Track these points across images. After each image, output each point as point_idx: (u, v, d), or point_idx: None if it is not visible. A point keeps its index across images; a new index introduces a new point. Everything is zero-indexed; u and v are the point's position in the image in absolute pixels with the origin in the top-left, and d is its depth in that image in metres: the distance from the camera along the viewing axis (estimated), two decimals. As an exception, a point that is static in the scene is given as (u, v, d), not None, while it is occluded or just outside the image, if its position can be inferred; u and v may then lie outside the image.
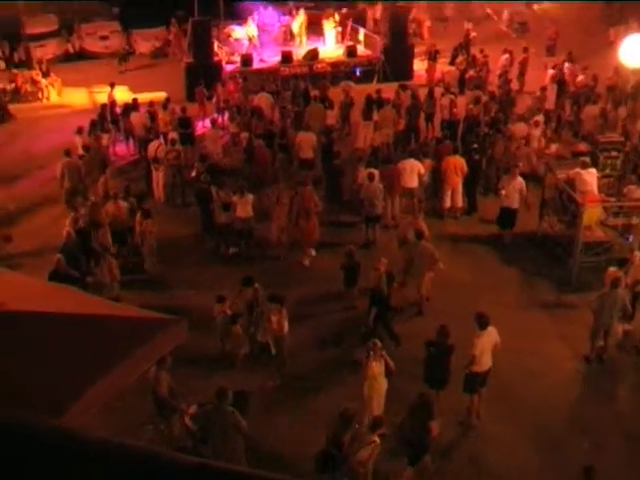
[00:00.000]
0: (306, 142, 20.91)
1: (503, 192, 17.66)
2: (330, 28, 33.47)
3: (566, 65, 27.68)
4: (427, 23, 39.77)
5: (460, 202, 19.48)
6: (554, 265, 17.06)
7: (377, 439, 10.13)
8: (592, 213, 16.33)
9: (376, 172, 18.11)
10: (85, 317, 7.90)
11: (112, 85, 25.93)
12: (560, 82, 26.39)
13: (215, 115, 25.60)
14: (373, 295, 14.25)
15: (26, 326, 7.40)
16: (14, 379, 6.89)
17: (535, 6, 46.51)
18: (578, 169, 17.44)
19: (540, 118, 22.29)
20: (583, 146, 20.99)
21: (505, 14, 41.18)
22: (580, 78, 26.43)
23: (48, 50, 37.45)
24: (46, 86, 31.32)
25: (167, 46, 38.67)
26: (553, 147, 20.30)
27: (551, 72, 27.02)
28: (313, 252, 17.57)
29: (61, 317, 7.75)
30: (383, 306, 14.24)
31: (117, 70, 34.91)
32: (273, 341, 13.50)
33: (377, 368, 11.57)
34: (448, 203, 19.47)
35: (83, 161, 20.06)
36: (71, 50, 39.87)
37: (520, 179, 17.60)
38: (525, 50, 29.64)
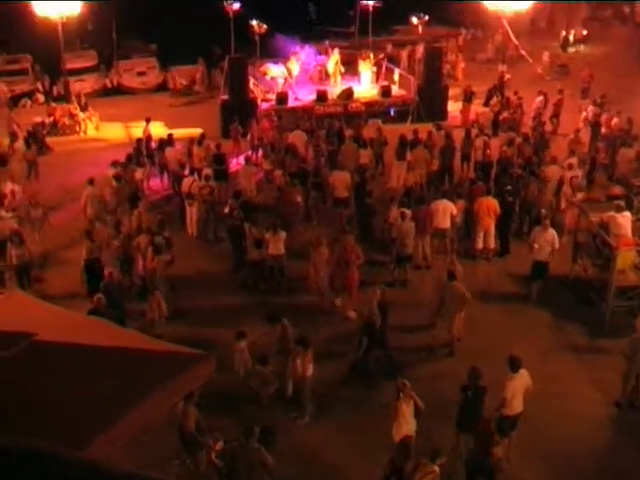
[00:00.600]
0: (341, 181, 20.98)
1: (535, 245, 17.16)
2: (365, 68, 33.75)
3: (590, 108, 27.70)
4: (461, 64, 39.95)
5: (492, 244, 19.40)
6: (586, 308, 16.85)
7: (437, 469, 10.18)
8: (626, 257, 16.15)
9: (408, 212, 18.12)
10: (116, 350, 7.98)
11: (148, 120, 26.32)
12: (594, 125, 26.33)
13: (249, 152, 25.83)
14: (365, 326, 14.36)
15: (58, 357, 7.48)
16: (43, 409, 6.95)
17: (571, 49, 46.78)
18: (612, 212, 17.30)
19: (574, 161, 22.19)
20: (617, 189, 20.84)
21: (545, 56, 41.30)
22: (615, 121, 26.33)
23: (87, 85, 38.42)
24: (83, 120, 31.90)
25: (194, 84, 39.18)
26: (579, 195, 20.13)
27: (584, 114, 27.01)
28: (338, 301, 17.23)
29: (93, 349, 7.83)
30: (375, 337, 14.34)
31: (168, 103, 36.06)
32: (294, 383, 13.47)
33: (406, 409, 11.50)
34: (480, 244, 19.40)
35: (113, 190, 20.52)
36: (109, 85, 40.83)
37: (551, 231, 17.18)
38: (560, 92, 29.65)
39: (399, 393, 11.54)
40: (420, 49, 37.56)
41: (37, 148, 27.85)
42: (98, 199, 20.22)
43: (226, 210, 19.70)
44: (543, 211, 19.34)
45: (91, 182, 20.37)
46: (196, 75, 40.04)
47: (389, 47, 38.27)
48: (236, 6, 34.50)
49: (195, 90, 38.44)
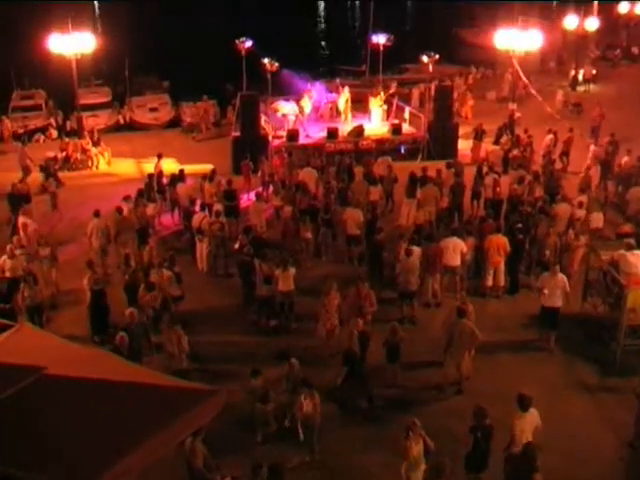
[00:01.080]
0: (353, 218, 21.08)
1: (546, 291, 16.57)
2: (376, 105, 33.96)
3: (592, 147, 27.77)
4: (470, 102, 40.18)
5: (502, 281, 19.36)
6: (597, 347, 16.74)
7: None
8: (637, 295, 16.03)
9: (414, 248, 18.11)
10: (125, 385, 7.98)
11: (160, 156, 26.47)
12: (604, 163, 26.40)
13: (260, 188, 25.96)
14: (345, 356, 14.51)
15: (67, 391, 7.49)
16: (51, 443, 6.95)
17: (580, 88, 47.04)
18: (623, 251, 17.28)
19: (584, 199, 22.22)
20: (628, 227, 20.85)
21: (559, 95, 41.61)
22: (625, 159, 26.40)
23: (99, 120, 38.86)
24: (96, 155, 32.16)
25: (199, 121, 39.57)
26: (582, 239, 20.20)
27: (593, 148, 27.12)
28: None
29: (101, 384, 7.84)
30: (355, 367, 14.49)
31: (191, 138, 36.96)
32: (302, 425, 13.39)
33: (417, 449, 11.41)
34: (490, 282, 19.37)
35: (114, 221, 20.85)
36: (121, 121, 41.18)
37: (561, 275, 16.72)
38: (570, 130, 29.76)
39: (408, 432, 11.45)
40: (421, 87, 38.05)
41: (49, 183, 28.16)
42: (103, 231, 20.49)
43: (236, 246, 19.77)
44: (547, 252, 19.24)
45: (97, 214, 20.70)
46: (208, 112, 40.46)
47: (393, 85, 38.36)
48: (248, 44, 34.86)
49: (202, 127, 38.68)
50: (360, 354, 14.76)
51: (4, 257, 18.35)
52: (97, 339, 17.02)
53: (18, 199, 23.61)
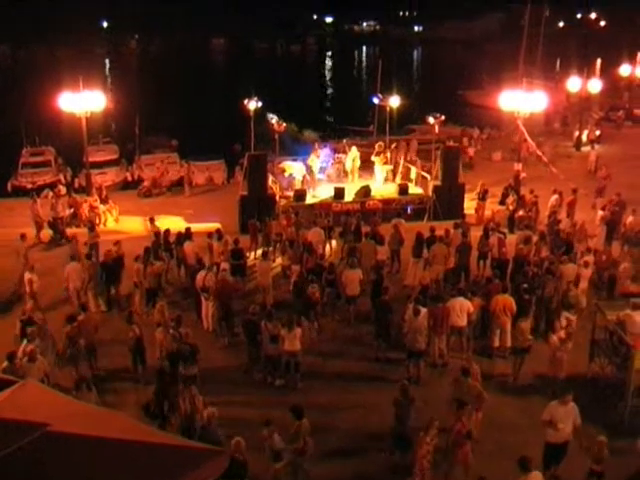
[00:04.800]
0: (352, 279, 21.17)
1: (561, 425, 13.89)
2: (381, 165, 34.23)
3: (600, 213, 27.92)
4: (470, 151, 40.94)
5: (509, 341, 19.24)
6: (604, 408, 16.58)
7: None
8: (644, 356, 16.02)
9: (422, 308, 18.10)
10: (128, 443, 7.96)
11: (152, 220, 26.89)
12: (609, 223, 26.52)
13: (267, 248, 26.05)
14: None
15: (70, 448, 7.48)
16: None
17: (584, 149, 47.52)
18: (628, 311, 17.27)
19: (590, 259, 22.27)
20: (634, 287, 20.86)
21: (592, 155, 42.44)
22: (630, 219, 26.52)
23: (108, 178, 39.36)
24: (104, 212, 32.39)
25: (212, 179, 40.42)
26: (583, 301, 20.38)
27: (601, 213, 27.23)
28: None
29: (104, 442, 7.83)
30: None
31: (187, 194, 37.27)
32: None
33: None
34: (497, 342, 19.32)
35: (84, 267, 21.98)
36: (129, 179, 41.54)
37: (572, 404, 14.15)
38: (574, 192, 29.93)
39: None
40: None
41: (57, 239, 28.42)
42: (79, 274, 21.61)
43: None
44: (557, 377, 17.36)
45: (73, 258, 21.99)
46: (215, 171, 40.99)
47: (394, 145, 38.81)
48: (256, 104, 35.49)
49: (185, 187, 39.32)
50: None
51: (24, 358, 16.15)
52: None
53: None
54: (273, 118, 33.26)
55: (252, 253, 26.38)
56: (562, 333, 17.14)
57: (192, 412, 14.96)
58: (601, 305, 18.60)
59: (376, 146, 35.29)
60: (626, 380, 16.01)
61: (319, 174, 33.74)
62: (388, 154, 35.13)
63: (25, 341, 17.14)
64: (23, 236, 25.01)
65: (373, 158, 34.54)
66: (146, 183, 39.09)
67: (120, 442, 7.80)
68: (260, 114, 35.67)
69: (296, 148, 37.02)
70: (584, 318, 19.46)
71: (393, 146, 37.47)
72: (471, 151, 44.85)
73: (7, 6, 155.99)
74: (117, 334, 19.58)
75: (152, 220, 26.90)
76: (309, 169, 32.96)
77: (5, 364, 15.28)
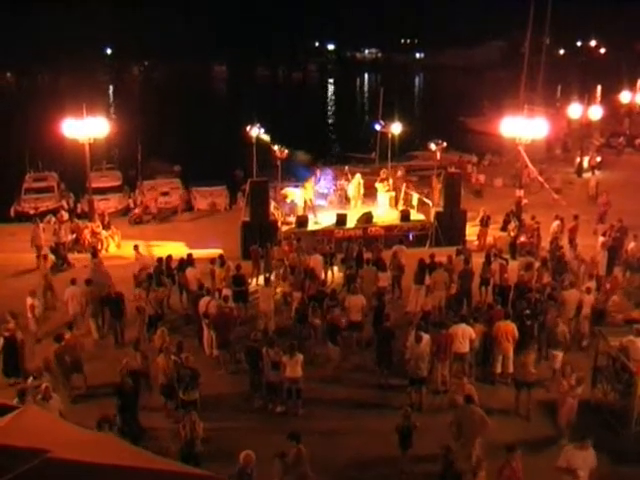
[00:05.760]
0: (355, 305, 21.14)
1: (581, 473, 13.22)
2: (384, 192, 34.29)
3: (601, 239, 27.94)
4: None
5: (511, 368, 19.18)
6: (608, 435, 16.42)
7: None
8: (647, 383, 15.96)
9: (424, 335, 18.08)
10: (130, 470, 7.93)
11: (136, 247, 27.04)
12: (611, 249, 26.52)
13: (268, 274, 26.05)
14: None
15: (70, 475, 7.45)
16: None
17: (585, 175, 47.66)
18: (631, 337, 17.23)
19: (592, 285, 22.25)
20: (636, 313, 20.82)
21: (592, 181, 42.72)
22: (632, 245, 26.55)
23: (110, 204, 39.47)
24: (106, 238, 32.42)
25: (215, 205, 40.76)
26: (585, 342, 20.48)
27: (602, 239, 27.24)
28: None
29: (104, 468, 7.79)
30: None
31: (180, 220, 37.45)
32: None
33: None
34: (499, 369, 19.26)
35: (83, 293, 22.06)
36: (132, 205, 41.61)
37: (592, 451, 13.53)
38: (575, 218, 29.97)
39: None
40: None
41: (59, 264, 28.44)
42: (79, 299, 21.88)
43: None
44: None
45: (73, 282, 22.18)
46: (218, 196, 41.13)
47: (398, 173, 38.85)
48: (258, 131, 35.68)
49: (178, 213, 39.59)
50: None
51: (38, 396, 15.68)
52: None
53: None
54: (275, 145, 33.42)
55: (254, 279, 26.39)
56: (572, 379, 16.97)
57: (192, 438, 14.92)
58: (604, 331, 18.54)
59: (381, 172, 35.45)
60: (629, 407, 15.93)
61: (320, 200, 33.81)
62: (391, 181, 35.20)
63: (32, 378, 17.01)
64: (45, 257, 25.27)
65: (377, 185, 34.62)
66: (137, 210, 39.12)
67: (121, 469, 7.77)
68: (263, 140, 35.92)
69: (298, 174, 37.09)
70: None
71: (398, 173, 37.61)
72: (482, 178, 44.95)
73: (11, 32, 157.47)
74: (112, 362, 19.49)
75: (136, 247, 27.05)
76: (309, 196, 32.88)
77: (15, 400, 14.64)
